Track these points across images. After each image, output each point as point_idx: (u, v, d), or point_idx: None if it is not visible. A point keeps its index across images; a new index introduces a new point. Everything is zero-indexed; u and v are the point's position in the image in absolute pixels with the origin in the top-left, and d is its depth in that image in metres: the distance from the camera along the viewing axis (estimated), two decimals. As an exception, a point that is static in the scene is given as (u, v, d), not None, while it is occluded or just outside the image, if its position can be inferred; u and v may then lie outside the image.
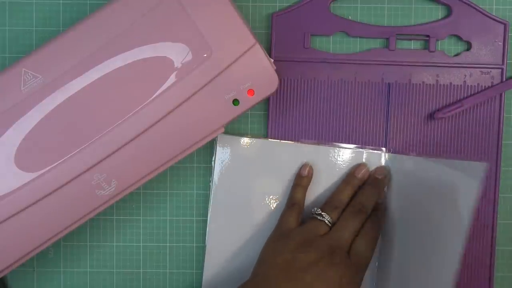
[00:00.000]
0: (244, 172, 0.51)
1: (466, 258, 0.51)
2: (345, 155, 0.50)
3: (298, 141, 0.51)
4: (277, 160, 0.51)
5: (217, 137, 0.50)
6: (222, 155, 0.51)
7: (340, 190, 0.49)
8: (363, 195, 0.49)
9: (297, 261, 0.45)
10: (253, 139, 0.51)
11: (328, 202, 0.49)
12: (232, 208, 0.51)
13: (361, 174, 0.50)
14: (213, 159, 0.51)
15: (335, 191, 0.50)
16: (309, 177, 0.50)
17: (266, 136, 0.52)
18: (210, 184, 0.51)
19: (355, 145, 0.50)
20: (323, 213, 0.47)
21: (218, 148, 0.51)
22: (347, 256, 0.45)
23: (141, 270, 0.52)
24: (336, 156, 0.50)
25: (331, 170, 0.50)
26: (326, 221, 0.47)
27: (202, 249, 0.52)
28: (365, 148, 0.50)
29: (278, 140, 0.51)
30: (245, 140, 0.51)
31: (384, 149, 0.50)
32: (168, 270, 0.52)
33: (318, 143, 0.50)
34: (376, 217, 0.48)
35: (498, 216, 0.51)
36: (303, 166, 0.50)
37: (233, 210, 0.51)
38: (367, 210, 0.48)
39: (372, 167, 0.50)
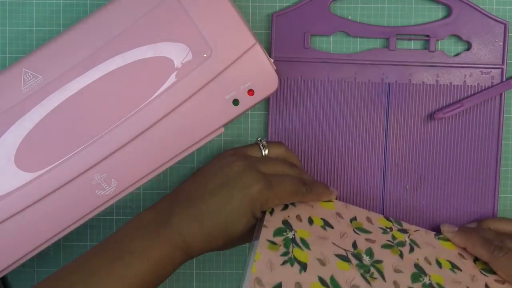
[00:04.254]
0: None
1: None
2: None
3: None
4: None
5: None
6: None
7: (293, 154, 0.50)
8: (303, 170, 0.49)
9: (212, 165, 0.46)
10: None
11: (277, 142, 0.49)
12: None
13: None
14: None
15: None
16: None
17: (266, 135, 0.52)
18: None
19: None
20: (264, 141, 0.48)
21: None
22: (263, 172, 0.44)
23: (141, 270, 0.52)
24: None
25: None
26: (261, 146, 0.47)
27: (202, 249, 0.52)
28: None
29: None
30: None
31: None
32: (168, 270, 0.52)
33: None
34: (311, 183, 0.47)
35: (498, 216, 0.51)
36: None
37: None
38: (300, 173, 0.47)
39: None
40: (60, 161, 0.44)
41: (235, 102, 0.45)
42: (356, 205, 0.52)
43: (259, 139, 0.49)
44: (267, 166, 0.45)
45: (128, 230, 0.44)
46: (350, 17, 0.51)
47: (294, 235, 0.43)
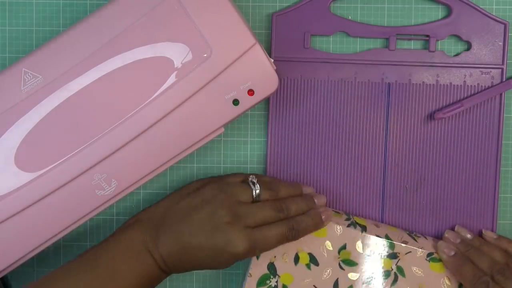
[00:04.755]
0: None
1: (466, 258, 0.51)
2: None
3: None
4: None
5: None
6: None
7: (284, 183, 0.49)
8: (294, 201, 0.47)
9: (192, 203, 0.45)
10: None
11: (268, 181, 0.48)
12: None
13: (306, 191, 0.50)
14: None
15: (279, 180, 0.49)
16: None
17: (266, 135, 0.52)
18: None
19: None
20: (257, 184, 0.47)
21: None
22: (249, 229, 0.44)
23: (141, 270, 0.52)
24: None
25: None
26: (254, 192, 0.46)
27: (202, 249, 0.52)
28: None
29: None
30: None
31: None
32: (168, 270, 0.52)
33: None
34: (295, 224, 0.46)
35: (498, 216, 0.51)
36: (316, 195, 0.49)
37: None
38: (288, 213, 0.46)
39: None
40: (60, 161, 0.44)
41: (235, 102, 0.45)
42: (356, 205, 0.52)
43: (251, 179, 0.47)
44: (255, 217, 0.45)
45: (119, 251, 0.44)
46: (350, 17, 0.51)
47: (277, 282, 0.48)
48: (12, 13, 0.51)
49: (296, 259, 0.48)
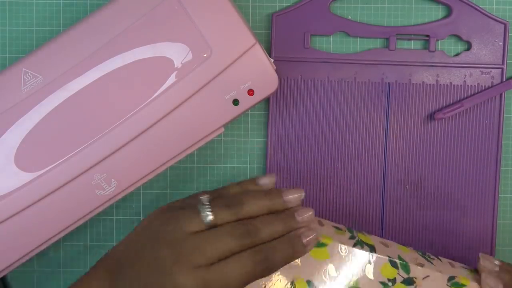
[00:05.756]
0: None
1: (466, 258, 0.51)
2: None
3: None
4: None
5: None
6: None
7: (256, 194, 0.38)
8: (265, 221, 0.37)
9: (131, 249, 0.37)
10: None
11: (232, 194, 0.39)
12: None
13: (293, 199, 0.39)
14: None
15: (251, 187, 0.40)
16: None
17: (266, 135, 0.52)
18: None
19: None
20: (207, 206, 0.37)
21: None
22: (202, 268, 0.35)
23: (141, 270, 0.52)
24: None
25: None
26: (206, 220, 0.36)
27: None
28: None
29: None
30: None
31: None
32: (168, 270, 0.52)
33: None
34: (270, 250, 0.36)
35: (498, 216, 0.51)
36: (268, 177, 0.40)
37: None
38: (258, 237, 0.36)
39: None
40: (60, 161, 0.44)
41: (235, 102, 0.45)
42: (356, 205, 0.52)
43: (202, 200, 0.38)
44: (206, 251, 0.35)
45: None
46: (350, 17, 0.51)
47: None
48: (12, 13, 0.51)
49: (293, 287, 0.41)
